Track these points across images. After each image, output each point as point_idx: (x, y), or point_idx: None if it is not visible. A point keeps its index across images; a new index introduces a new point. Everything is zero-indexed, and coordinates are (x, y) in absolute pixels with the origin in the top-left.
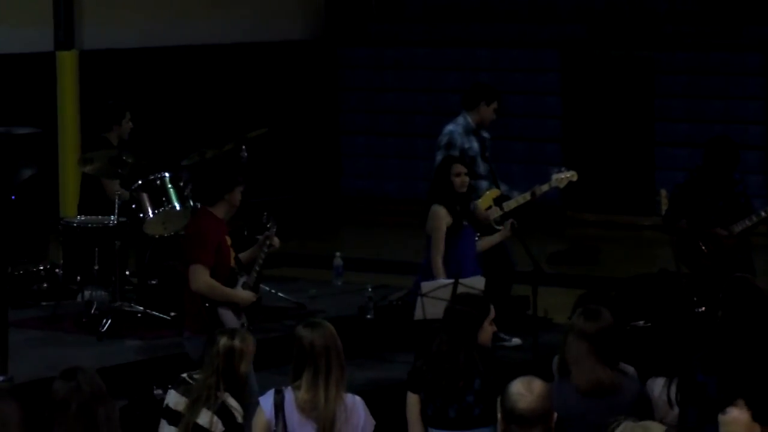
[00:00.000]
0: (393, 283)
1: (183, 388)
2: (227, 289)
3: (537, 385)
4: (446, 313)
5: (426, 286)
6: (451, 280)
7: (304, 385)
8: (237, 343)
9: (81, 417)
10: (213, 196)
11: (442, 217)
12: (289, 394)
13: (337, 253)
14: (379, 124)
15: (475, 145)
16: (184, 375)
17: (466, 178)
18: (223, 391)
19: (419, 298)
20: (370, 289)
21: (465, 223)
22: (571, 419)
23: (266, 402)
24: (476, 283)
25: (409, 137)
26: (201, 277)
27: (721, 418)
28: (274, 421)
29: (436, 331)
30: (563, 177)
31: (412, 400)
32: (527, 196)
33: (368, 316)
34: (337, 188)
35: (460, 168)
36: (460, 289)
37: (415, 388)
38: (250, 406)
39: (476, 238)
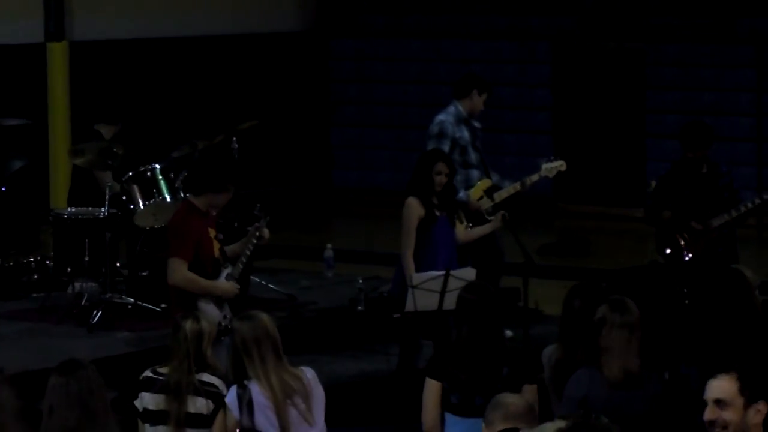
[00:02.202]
0: (384, 275)
1: (156, 386)
2: (206, 282)
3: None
4: (461, 303)
5: (417, 277)
6: (442, 272)
7: (253, 376)
8: (204, 325)
9: (78, 409)
10: (199, 188)
11: (413, 209)
12: (254, 387)
13: (328, 245)
14: (371, 116)
15: (466, 134)
16: (147, 373)
17: (445, 179)
18: (195, 373)
19: (410, 290)
20: (360, 281)
21: (438, 213)
22: (600, 408)
23: (231, 399)
24: (467, 274)
25: (401, 129)
26: (178, 271)
27: (709, 381)
28: (239, 416)
29: (456, 320)
30: (552, 167)
31: (433, 388)
32: (517, 186)
33: (359, 308)
34: (328, 180)
35: (441, 167)
36: (451, 281)
37: (438, 375)
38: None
39: (469, 227)
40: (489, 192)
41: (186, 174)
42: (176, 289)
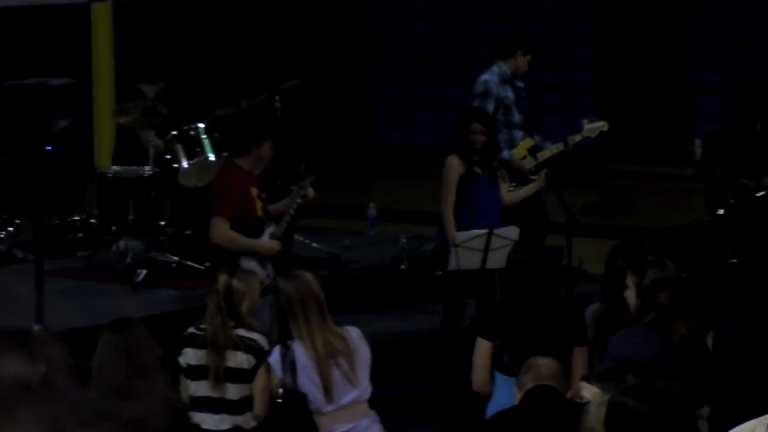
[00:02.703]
0: (427, 234)
1: (197, 341)
2: (248, 240)
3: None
4: (512, 264)
5: (460, 236)
6: (485, 231)
7: (297, 336)
8: (235, 282)
9: (127, 366)
10: (240, 148)
11: (453, 167)
12: (297, 347)
13: (371, 204)
14: (414, 75)
15: (510, 94)
16: (191, 330)
17: (483, 138)
18: (232, 328)
19: (453, 249)
20: (404, 240)
21: (479, 172)
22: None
23: (274, 359)
24: (510, 233)
25: (444, 87)
26: (220, 230)
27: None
28: (281, 376)
29: (508, 281)
30: (594, 127)
31: (484, 347)
32: (560, 146)
33: (402, 267)
34: (371, 139)
35: (477, 126)
36: (494, 240)
37: (488, 335)
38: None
39: (512, 187)
40: (532, 151)
41: (219, 135)
42: (219, 247)
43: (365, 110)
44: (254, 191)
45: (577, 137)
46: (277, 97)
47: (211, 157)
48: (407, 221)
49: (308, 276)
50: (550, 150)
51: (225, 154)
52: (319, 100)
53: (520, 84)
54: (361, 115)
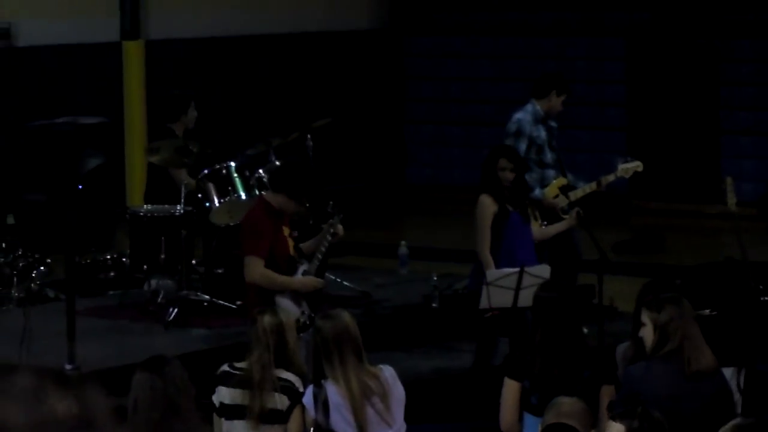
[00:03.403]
0: (458, 272)
1: (233, 380)
2: (284, 278)
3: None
4: (539, 302)
5: (491, 274)
6: (516, 269)
7: (330, 376)
8: (281, 317)
9: (163, 405)
10: (278, 185)
11: (486, 206)
12: (330, 386)
13: (402, 242)
14: (445, 113)
15: (543, 133)
16: (225, 368)
17: (511, 175)
18: (275, 368)
19: (484, 287)
20: (435, 278)
21: (511, 209)
22: (664, 401)
23: (308, 399)
24: (542, 271)
25: (474, 126)
26: (256, 268)
27: None
28: (314, 415)
29: (535, 320)
30: (629, 167)
31: (512, 387)
32: (593, 185)
33: (433, 305)
34: (402, 177)
35: (504, 163)
36: (526, 278)
37: (517, 375)
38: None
39: (543, 225)
40: (564, 190)
41: (268, 168)
42: (254, 286)
43: (396, 148)
44: (286, 230)
45: (611, 177)
46: (309, 136)
47: (243, 195)
48: (438, 259)
49: (346, 316)
50: (583, 189)
51: (257, 192)
52: (350, 139)
53: (553, 123)
54: (392, 153)
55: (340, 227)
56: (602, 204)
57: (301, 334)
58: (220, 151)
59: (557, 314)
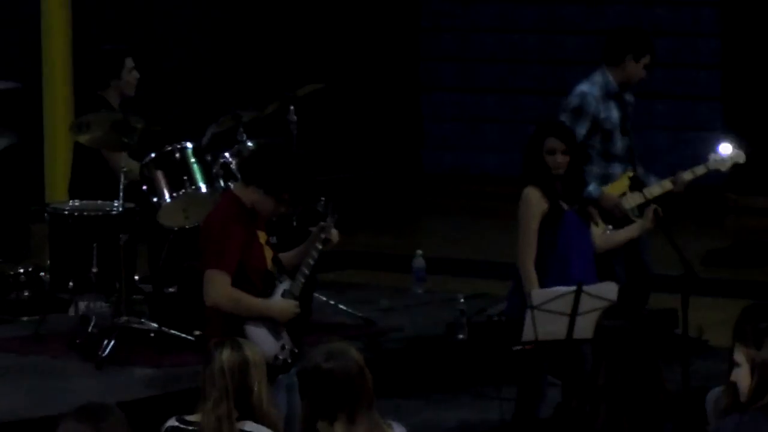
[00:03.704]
0: (493, 292)
1: None
2: (256, 301)
3: None
4: (602, 333)
5: (537, 295)
6: (571, 288)
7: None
8: (246, 353)
9: None
10: (251, 177)
11: (533, 202)
12: None
13: (418, 251)
14: (474, 77)
15: (615, 113)
16: (172, 422)
17: (564, 159)
18: (237, 420)
19: (528, 312)
20: (462, 300)
21: (566, 207)
22: None
23: None
24: (606, 291)
25: (513, 94)
26: (219, 287)
27: None
28: None
29: (597, 356)
30: (726, 158)
31: None
32: (668, 183)
33: (460, 336)
34: (417, 163)
35: (554, 143)
36: (585, 301)
37: (575, 429)
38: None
39: (609, 230)
40: (634, 187)
41: (238, 151)
42: (217, 311)
43: (409, 125)
44: (262, 236)
45: (701, 169)
46: (292, 108)
47: (203, 188)
48: (466, 274)
49: (353, 354)
50: (662, 185)
51: (222, 184)
52: (348, 112)
53: (630, 98)
54: (404, 131)
55: (334, 232)
56: (689, 201)
57: (280, 376)
58: (172, 127)
59: (627, 349)
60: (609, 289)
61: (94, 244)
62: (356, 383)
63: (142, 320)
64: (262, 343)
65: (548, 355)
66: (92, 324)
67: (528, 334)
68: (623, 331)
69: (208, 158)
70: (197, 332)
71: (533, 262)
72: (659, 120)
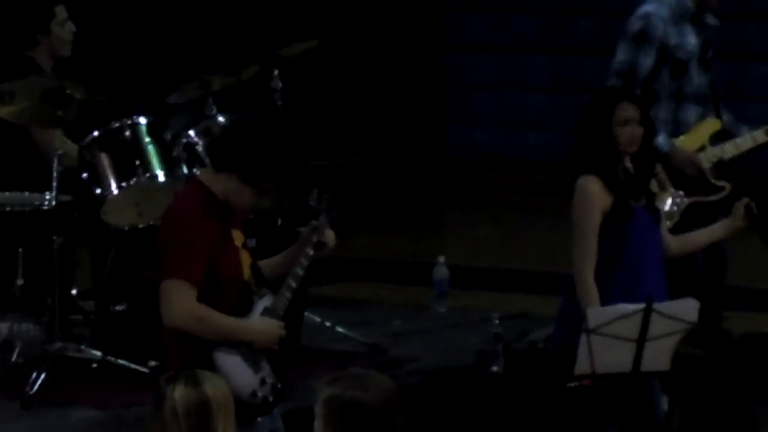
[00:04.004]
0: (536, 310)
1: None
2: (229, 320)
3: None
4: (682, 363)
5: (596, 315)
6: (639, 306)
7: None
8: (206, 390)
9: None
10: (223, 161)
11: (592, 196)
12: None
13: (440, 258)
14: (510, 31)
15: (692, 40)
16: None
17: (640, 131)
18: None
19: (584, 337)
20: (497, 321)
21: (635, 204)
22: None
23: None
24: (684, 310)
25: (557, 54)
26: (180, 302)
27: None
28: None
29: (673, 393)
30: None
31: None
32: (762, 135)
33: (494, 368)
34: (439, 145)
35: (629, 111)
36: (656, 323)
37: None
38: None
39: (678, 198)
40: (717, 140)
41: (204, 128)
42: (177, 334)
43: (428, 96)
44: (237, 237)
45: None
46: (275, 72)
47: (160, 176)
48: (501, 288)
49: (383, 381)
50: (752, 138)
51: (185, 171)
52: (348, 79)
53: (712, 21)
54: (422, 106)
55: (329, 234)
56: None
57: (259, 418)
58: (120, 97)
59: (713, 386)
60: (687, 308)
61: (20, 249)
62: (379, 411)
63: (82, 347)
64: (237, 375)
65: (611, 395)
66: (17, 352)
67: (582, 365)
68: (709, 363)
69: (168, 137)
70: (153, 362)
71: (593, 272)
72: (753, 88)
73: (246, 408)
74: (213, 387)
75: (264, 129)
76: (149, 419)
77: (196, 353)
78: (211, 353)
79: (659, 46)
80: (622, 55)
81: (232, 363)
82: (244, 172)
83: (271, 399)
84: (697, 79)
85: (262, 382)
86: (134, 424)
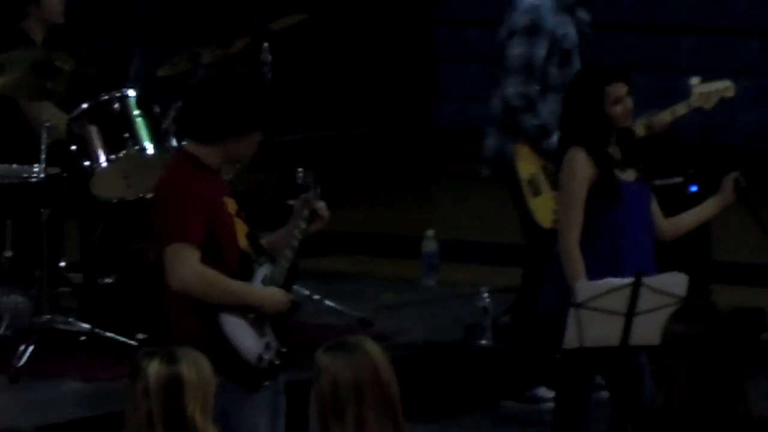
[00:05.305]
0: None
1: None
2: (239, 284)
3: None
4: (671, 340)
5: (583, 289)
6: (628, 280)
7: None
8: (181, 368)
9: None
10: (207, 132)
11: (580, 168)
12: None
13: (429, 231)
14: (497, 8)
15: (572, 31)
16: None
17: (630, 106)
18: None
19: (572, 311)
20: (485, 295)
21: (623, 176)
22: None
23: None
24: (673, 284)
25: None
26: (187, 265)
27: None
28: None
29: (662, 369)
30: (710, 90)
31: None
32: (661, 117)
33: (482, 342)
34: (428, 117)
35: (620, 89)
36: (645, 297)
37: None
38: None
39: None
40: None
41: (179, 107)
42: (182, 302)
43: (417, 68)
44: (231, 204)
45: (682, 108)
46: (265, 45)
47: (150, 148)
48: (491, 261)
49: (371, 347)
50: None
51: (174, 143)
52: (337, 51)
53: (584, 15)
54: (411, 76)
55: (322, 205)
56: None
57: (265, 383)
58: (109, 69)
59: (703, 362)
60: (677, 282)
61: (8, 222)
62: (367, 381)
63: (70, 319)
64: (243, 340)
65: (598, 366)
66: (4, 324)
67: (570, 339)
68: (701, 339)
69: (157, 110)
70: (141, 335)
71: (578, 242)
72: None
73: (253, 372)
74: (189, 366)
75: (251, 84)
76: (124, 392)
77: (202, 320)
78: (217, 318)
79: (550, 38)
80: (517, 49)
81: (239, 326)
82: (237, 129)
83: (277, 362)
84: (577, 69)
85: (267, 346)
86: (122, 396)
